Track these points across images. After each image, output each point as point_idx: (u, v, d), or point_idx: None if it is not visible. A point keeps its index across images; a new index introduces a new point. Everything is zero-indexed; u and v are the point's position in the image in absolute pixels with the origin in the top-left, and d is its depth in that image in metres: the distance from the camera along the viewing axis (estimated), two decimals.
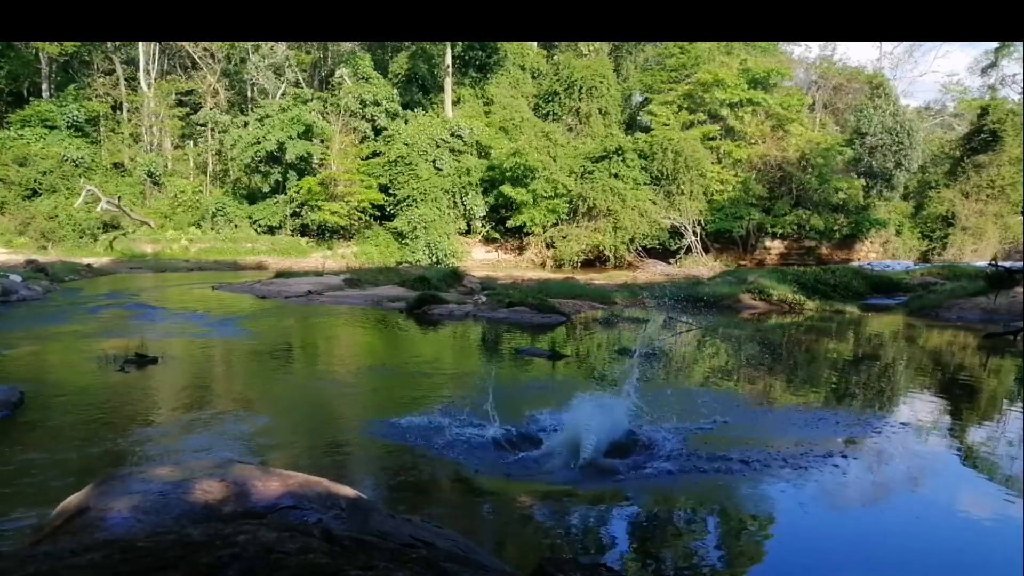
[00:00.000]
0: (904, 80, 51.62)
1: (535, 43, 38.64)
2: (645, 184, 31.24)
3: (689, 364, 9.43)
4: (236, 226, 32.78)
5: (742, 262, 31.25)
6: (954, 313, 13.83)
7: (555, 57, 39.64)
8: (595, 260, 30.51)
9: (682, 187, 31.00)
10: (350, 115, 33.54)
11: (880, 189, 34.18)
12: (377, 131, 33.87)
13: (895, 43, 49.56)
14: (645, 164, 31.46)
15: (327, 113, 33.99)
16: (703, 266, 27.25)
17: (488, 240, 33.19)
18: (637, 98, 39.99)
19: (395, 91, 34.79)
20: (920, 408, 6.96)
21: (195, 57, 39.76)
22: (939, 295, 15.43)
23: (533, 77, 38.64)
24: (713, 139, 33.50)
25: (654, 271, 26.27)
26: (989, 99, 39.06)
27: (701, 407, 6.08)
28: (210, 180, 36.54)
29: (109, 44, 37.99)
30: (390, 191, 31.72)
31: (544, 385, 7.48)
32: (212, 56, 39.64)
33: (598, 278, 23.11)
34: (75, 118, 35.52)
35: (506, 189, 30.55)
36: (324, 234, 32.25)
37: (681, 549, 3.68)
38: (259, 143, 31.69)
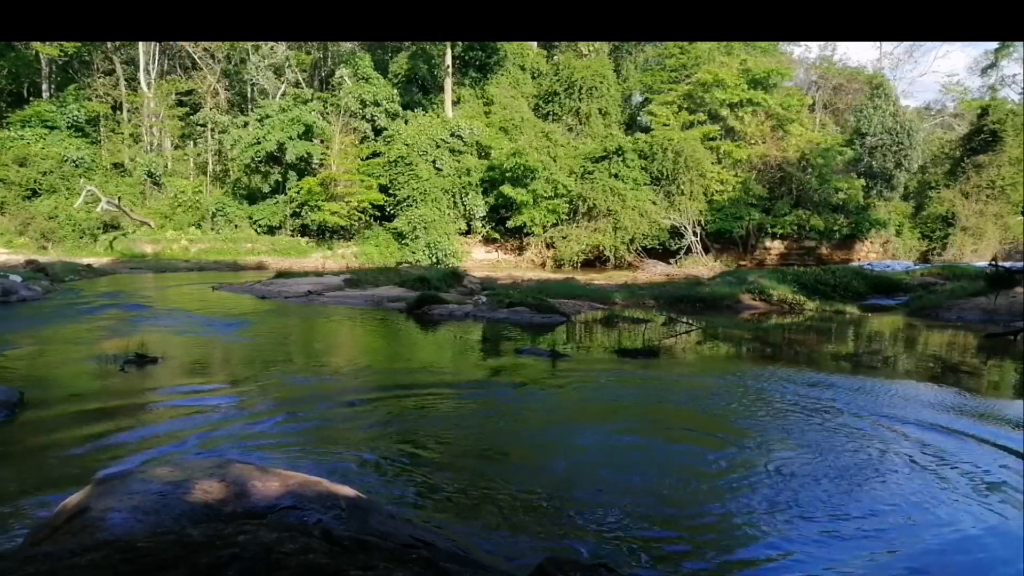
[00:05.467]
0: (904, 80, 51.85)
1: (535, 43, 38.64)
2: (645, 184, 31.26)
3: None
4: (236, 226, 32.81)
5: (742, 262, 31.25)
6: (954, 313, 13.81)
7: (555, 57, 39.65)
8: (595, 260, 30.52)
9: (682, 187, 31.01)
10: (350, 115, 33.56)
11: (880, 189, 34.18)
12: (377, 131, 33.88)
13: (895, 43, 49.63)
14: (645, 164, 31.47)
15: (327, 113, 34.02)
16: (703, 266, 27.26)
17: (488, 240, 33.21)
18: (637, 98, 40.01)
19: (395, 91, 34.80)
20: None
21: (195, 57, 39.80)
22: (939, 295, 15.41)
23: (533, 77, 38.64)
24: (713, 139, 33.51)
25: (654, 271, 26.27)
26: (989, 99, 39.10)
27: None
28: (210, 180, 36.57)
29: (109, 44, 38.01)
30: (390, 191, 31.73)
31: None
32: (212, 56, 39.68)
33: (598, 278, 23.10)
34: (75, 118, 35.55)
35: (506, 189, 30.56)
36: (324, 234, 32.27)
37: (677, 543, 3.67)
38: (259, 143, 31.71)
